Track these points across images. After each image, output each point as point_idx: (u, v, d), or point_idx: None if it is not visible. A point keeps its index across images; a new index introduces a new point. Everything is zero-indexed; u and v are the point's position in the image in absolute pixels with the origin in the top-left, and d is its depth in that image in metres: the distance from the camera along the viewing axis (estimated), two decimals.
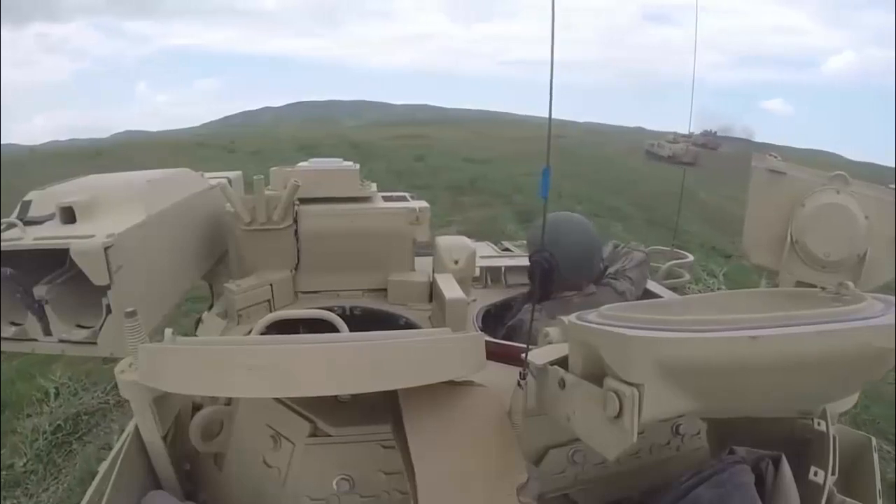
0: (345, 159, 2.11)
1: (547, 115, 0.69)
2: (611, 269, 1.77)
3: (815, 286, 1.50)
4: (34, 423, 3.46)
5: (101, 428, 3.50)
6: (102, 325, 1.20)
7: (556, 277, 1.60)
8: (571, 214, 1.71)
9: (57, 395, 3.79)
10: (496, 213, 10.32)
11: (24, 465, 3.16)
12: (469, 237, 1.89)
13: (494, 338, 1.38)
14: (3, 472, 3.08)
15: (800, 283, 1.53)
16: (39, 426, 3.43)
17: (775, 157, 1.56)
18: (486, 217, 9.72)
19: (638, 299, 1.70)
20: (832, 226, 1.46)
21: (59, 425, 3.46)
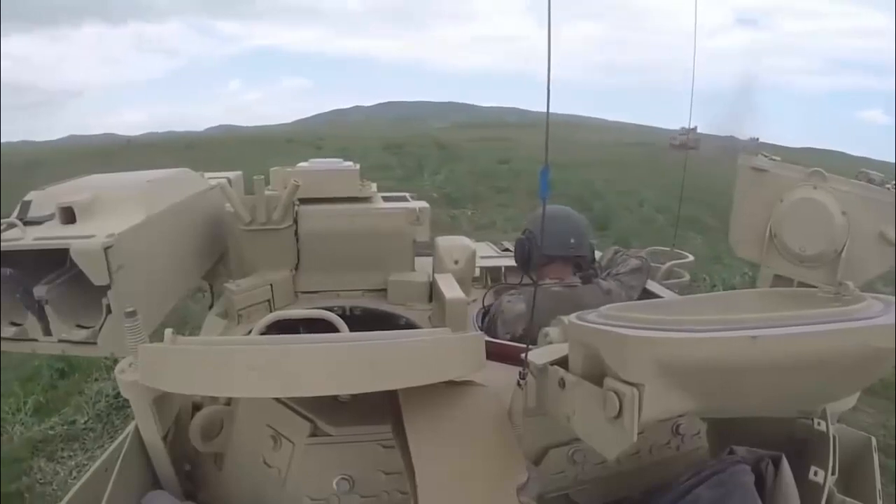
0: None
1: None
2: (602, 273, 1.79)
3: (792, 280, 1.51)
4: (99, 387, 3.78)
5: None
6: (102, 325, 1.20)
7: (536, 255, 1.64)
8: (565, 207, 1.78)
9: None
10: None
11: (85, 422, 3.47)
12: None
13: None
14: (65, 427, 3.42)
15: (778, 277, 1.55)
16: (104, 390, 3.73)
17: (766, 157, 1.57)
18: None
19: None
20: (807, 221, 1.48)
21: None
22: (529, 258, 1.67)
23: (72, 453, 3.20)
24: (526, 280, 1.71)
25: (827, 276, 1.44)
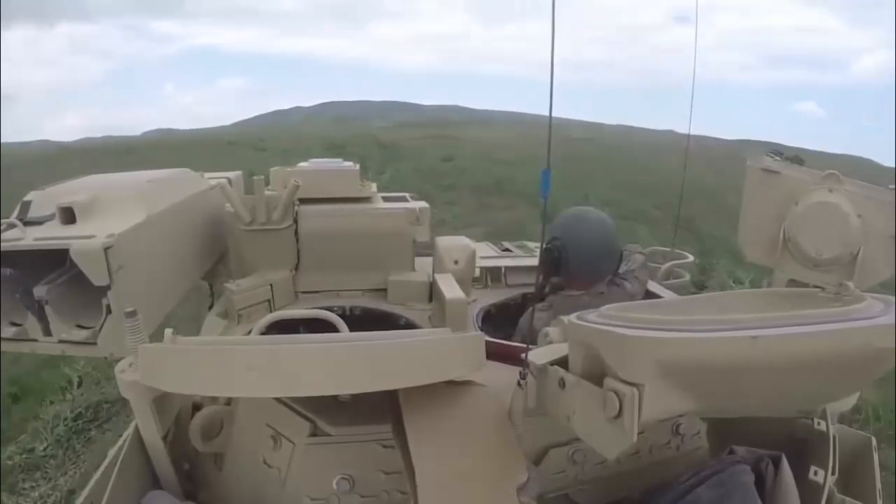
0: (343, 160, 2.11)
1: (557, 117, 0.69)
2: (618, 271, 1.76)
3: (808, 284, 1.50)
4: (56, 410, 3.59)
5: (121, 417, 3.55)
6: (102, 325, 1.20)
7: (566, 271, 1.57)
8: (596, 211, 1.67)
9: (80, 383, 3.87)
10: (522, 215, 10.06)
11: (45, 449, 3.29)
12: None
13: (494, 338, 1.38)
14: (24, 456, 3.21)
15: (793, 282, 1.54)
16: (61, 413, 3.55)
17: (774, 158, 1.56)
18: (512, 219, 9.43)
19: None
20: (824, 224, 1.46)
21: (80, 412, 3.55)
22: (557, 267, 1.59)
23: (34, 484, 3.01)
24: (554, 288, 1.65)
25: (841, 280, 1.43)
